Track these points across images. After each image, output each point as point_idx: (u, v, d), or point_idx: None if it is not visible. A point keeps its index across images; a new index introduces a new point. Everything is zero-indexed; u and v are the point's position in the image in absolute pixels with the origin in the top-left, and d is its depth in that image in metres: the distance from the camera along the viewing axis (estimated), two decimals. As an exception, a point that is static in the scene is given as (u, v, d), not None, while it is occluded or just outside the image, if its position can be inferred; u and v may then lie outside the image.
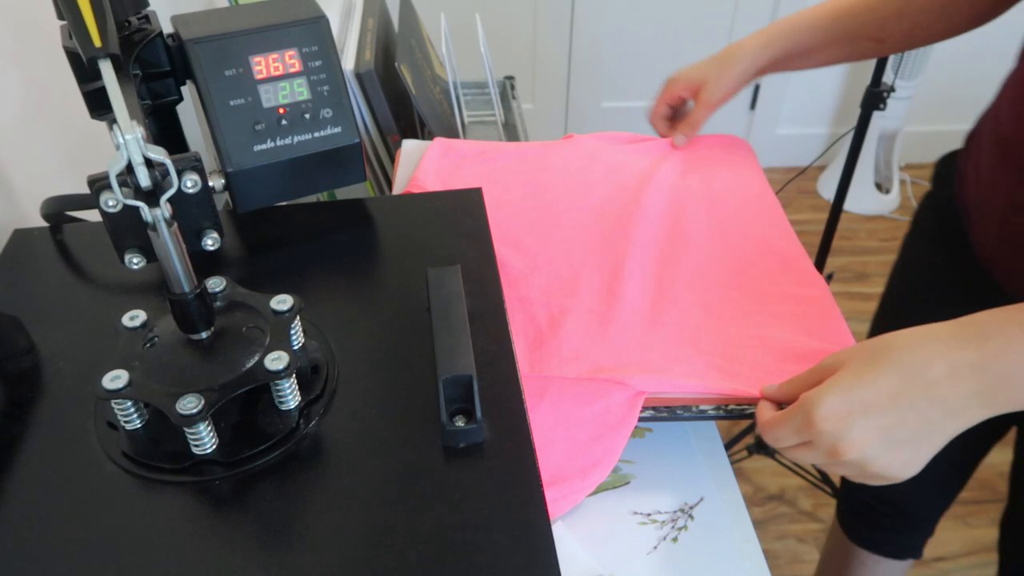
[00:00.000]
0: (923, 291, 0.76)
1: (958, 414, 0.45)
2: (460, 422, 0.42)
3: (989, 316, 0.45)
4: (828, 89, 2.38)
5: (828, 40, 0.79)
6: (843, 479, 1.05)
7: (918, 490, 0.91)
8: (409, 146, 0.84)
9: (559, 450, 0.56)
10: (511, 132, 1.11)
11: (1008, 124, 0.71)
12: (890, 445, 0.45)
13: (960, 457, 0.91)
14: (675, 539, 0.58)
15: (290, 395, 0.42)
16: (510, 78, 1.23)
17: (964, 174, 0.79)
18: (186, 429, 0.39)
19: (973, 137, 0.80)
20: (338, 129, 0.55)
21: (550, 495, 0.54)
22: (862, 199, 2.31)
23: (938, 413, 0.45)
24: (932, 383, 0.44)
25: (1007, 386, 0.44)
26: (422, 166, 0.80)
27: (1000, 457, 0.90)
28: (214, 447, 0.41)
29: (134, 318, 0.43)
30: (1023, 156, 0.68)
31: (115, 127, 0.35)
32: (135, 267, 0.40)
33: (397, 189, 0.79)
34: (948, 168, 0.83)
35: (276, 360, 0.40)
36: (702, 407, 0.59)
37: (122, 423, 0.42)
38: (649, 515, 0.60)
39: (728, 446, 1.61)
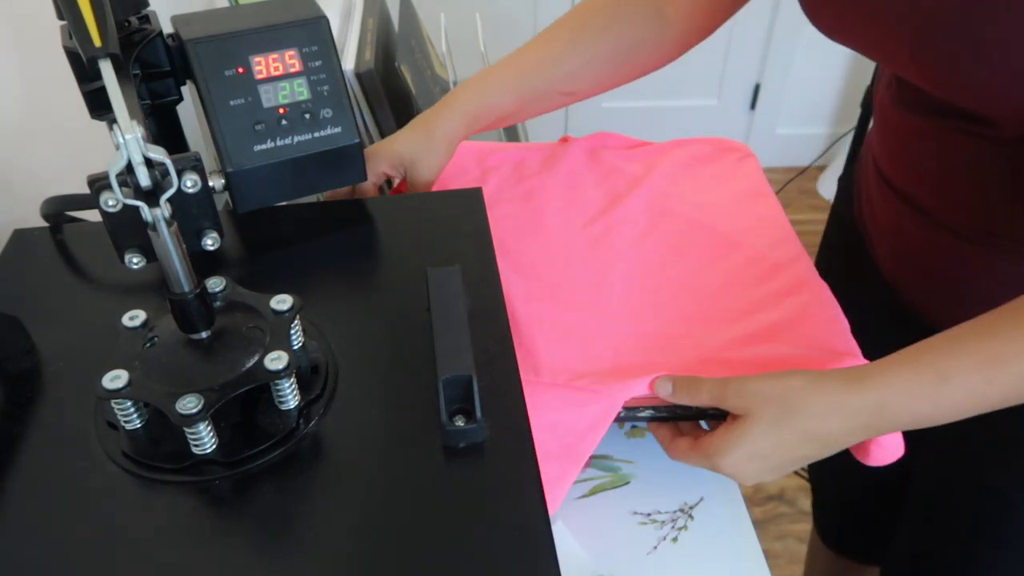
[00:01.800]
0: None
1: (839, 448, 0.53)
2: (460, 422, 0.42)
3: (884, 377, 0.51)
4: (828, 89, 2.38)
5: (522, 100, 0.74)
6: (815, 494, 1.04)
7: (878, 499, 0.91)
8: (409, 146, 0.84)
9: None
10: (511, 132, 1.11)
11: (879, 151, 0.71)
12: (772, 472, 0.53)
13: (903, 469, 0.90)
14: (675, 539, 0.58)
15: (290, 395, 0.42)
16: (510, 78, 1.23)
17: (858, 193, 0.78)
18: (186, 429, 0.40)
19: (862, 156, 0.79)
20: (338, 129, 0.55)
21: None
22: (862, 199, 2.30)
23: (823, 452, 0.53)
24: (826, 436, 0.52)
25: (889, 428, 0.52)
26: None
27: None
28: (214, 447, 0.41)
29: (134, 318, 0.43)
30: (895, 184, 0.68)
31: (115, 127, 0.35)
32: (135, 267, 0.40)
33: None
34: (848, 185, 0.82)
35: (276, 360, 0.40)
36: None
37: (122, 423, 0.42)
38: (649, 515, 0.60)
39: (728, 446, 1.61)
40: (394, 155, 0.72)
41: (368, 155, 0.72)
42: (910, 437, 0.58)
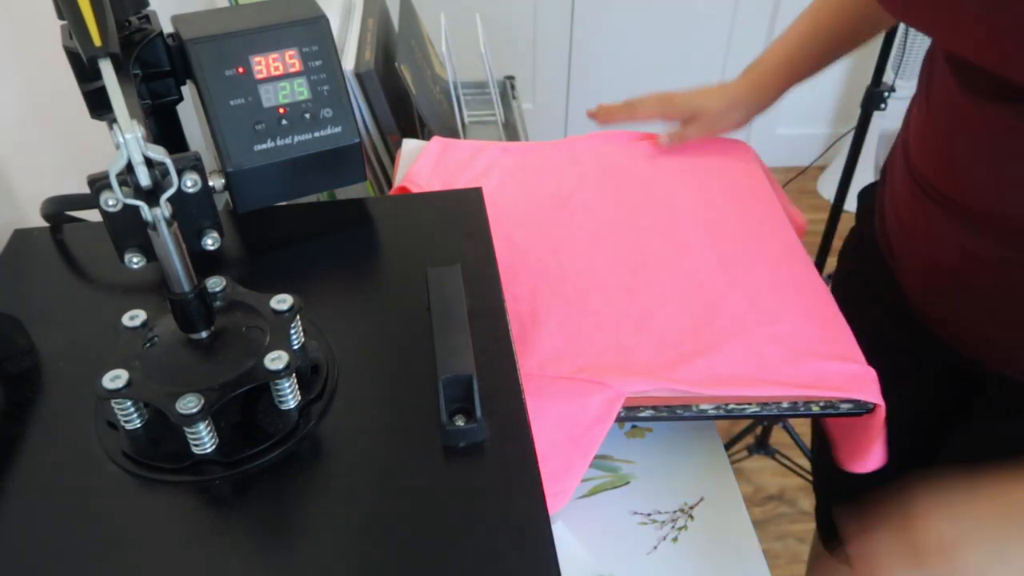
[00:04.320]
0: (860, 342, 0.64)
1: None
2: (460, 422, 0.42)
3: None
4: (828, 89, 2.38)
5: (813, 63, 0.80)
6: (817, 494, 1.03)
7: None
8: (409, 146, 0.84)
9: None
10: (511, 132, 1.11)
11: (919, 159, 0.67)
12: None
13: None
14: (675, 539, 0.58)
15: (290, 395, 0.42)
16: (510, 78, 1.23)
17: (883, 209, 0.75)
18: (186, 429, 0.39)
19: (888, 169, 0.76)
20: (338, 129, 0.55)
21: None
22: (862, 199, 2.30)
23: None
24: None
25: None
26: (419, 162, 0.80)
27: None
28: (214, 447, 0.41)
29: (134, 318, 0.43)
30: (940, 191, 0.63)
31: (115, 127, 0.35)
32: (135, 267, 0.40)
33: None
34: (870, 202, 0.80)
35: (276, 360, 0.40)
36: (702, 407, 0.59)
37: (122, 423, 0.42)
38: (649, 515, 0.60)
39: (728, 446, 1.61)
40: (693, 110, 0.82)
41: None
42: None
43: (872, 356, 0.61)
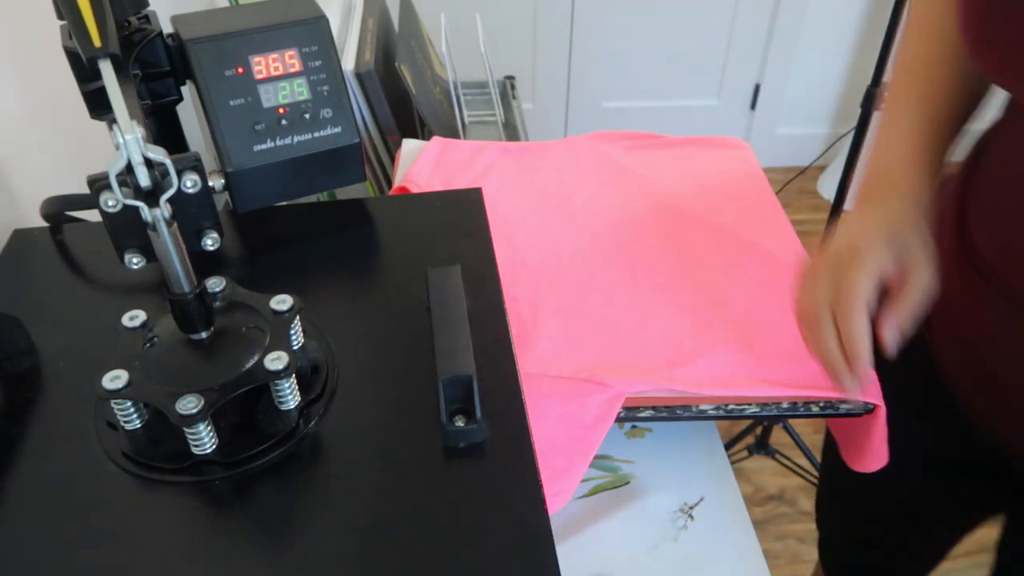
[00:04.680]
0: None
1: None
2: (460, 422, 0.42)
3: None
4: (828, 89, 2.38)
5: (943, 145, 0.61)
6: (820, 527, 0.97)
7: (897, 560, 0.89)
8: (409, 146, 0.84)
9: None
10: (511, 132, 1.11)
11: (984, 245, 0.58)
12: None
13: (942, 537, 0.83)
14: (675, 539, 0.58)
15: (290, 395, 0.42)
16: (510, 78, 1.23)
17: None
18: (186, 429, 0.39)
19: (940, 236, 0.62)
20: (338, 129, 0.55)
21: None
22: (862, 199, 2.30)
23: None
24: None
25: None
26: (419, 163, 0.80)
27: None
28: (214, 447, 0.41)
29: (134, 318, 0.43)
30: (1006, 282, 0.56)
31: (115, 127, 0.35)
32: (135, 267, 0.40)
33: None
34: None
35: (276, 360, 0.40)
36: (702, 407, 0.59)
37: (122, 423, 0.42)
38: (649, 515, 0.60)
39: (728, 446, 1.61)
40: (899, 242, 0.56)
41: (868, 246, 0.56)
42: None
43: (889, 403, 0.58)
